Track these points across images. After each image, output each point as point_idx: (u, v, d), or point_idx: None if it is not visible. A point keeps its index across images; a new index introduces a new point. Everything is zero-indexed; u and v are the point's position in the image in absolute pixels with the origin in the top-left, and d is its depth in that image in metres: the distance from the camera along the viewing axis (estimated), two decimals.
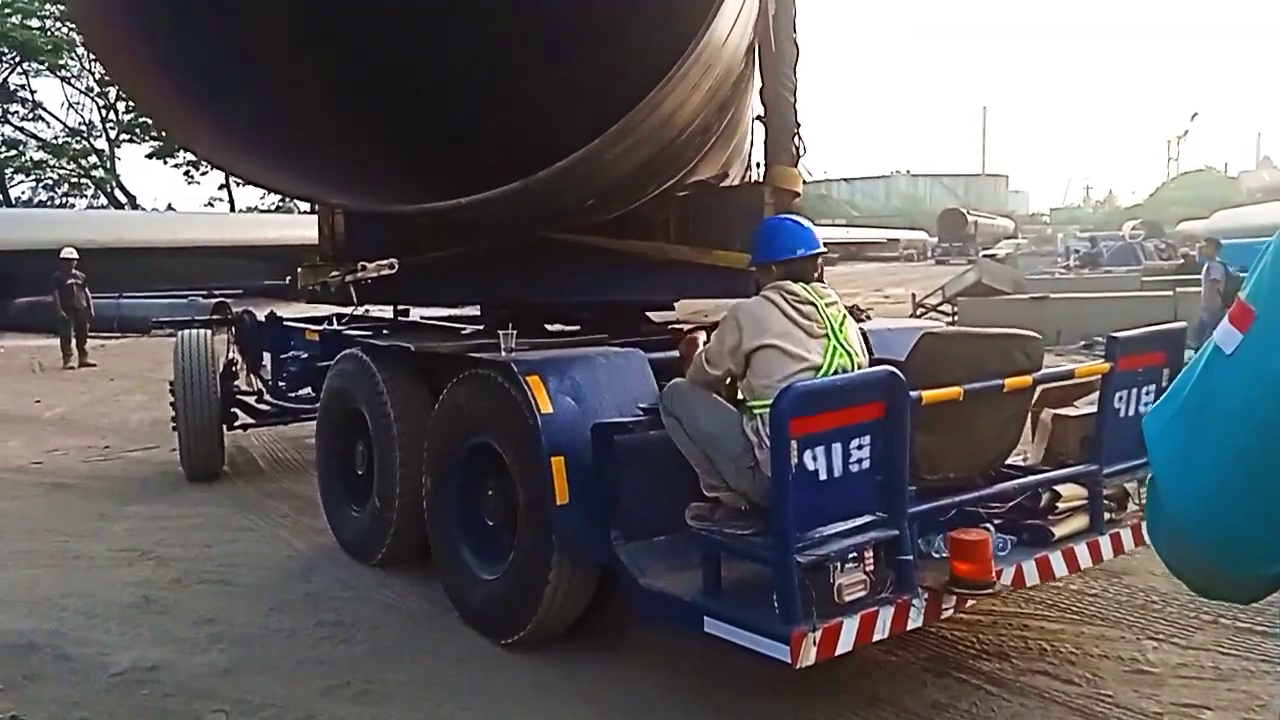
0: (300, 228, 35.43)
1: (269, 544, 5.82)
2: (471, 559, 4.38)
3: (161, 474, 7.86)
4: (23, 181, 43.59)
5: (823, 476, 3.06)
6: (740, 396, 3.57)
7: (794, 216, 3.93)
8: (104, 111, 44.88)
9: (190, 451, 7.43)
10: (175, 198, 49.74)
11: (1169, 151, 78.55)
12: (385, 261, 4.90)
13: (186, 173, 48.62)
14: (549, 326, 5.82)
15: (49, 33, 40.19)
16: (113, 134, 45.47)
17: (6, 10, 38.41)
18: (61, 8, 40.37)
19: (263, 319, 8.03)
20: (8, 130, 42.15)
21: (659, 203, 5.19)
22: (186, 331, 7.70)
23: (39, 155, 43.01)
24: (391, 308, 6.51)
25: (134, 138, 46.89)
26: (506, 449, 4.07)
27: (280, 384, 7.52)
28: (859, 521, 3.17)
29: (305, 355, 6.77)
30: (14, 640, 4.27)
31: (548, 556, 3.84)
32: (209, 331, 7.84)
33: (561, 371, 3.96)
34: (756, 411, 3.35)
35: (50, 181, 44.42)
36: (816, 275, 3.64)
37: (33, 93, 42.56)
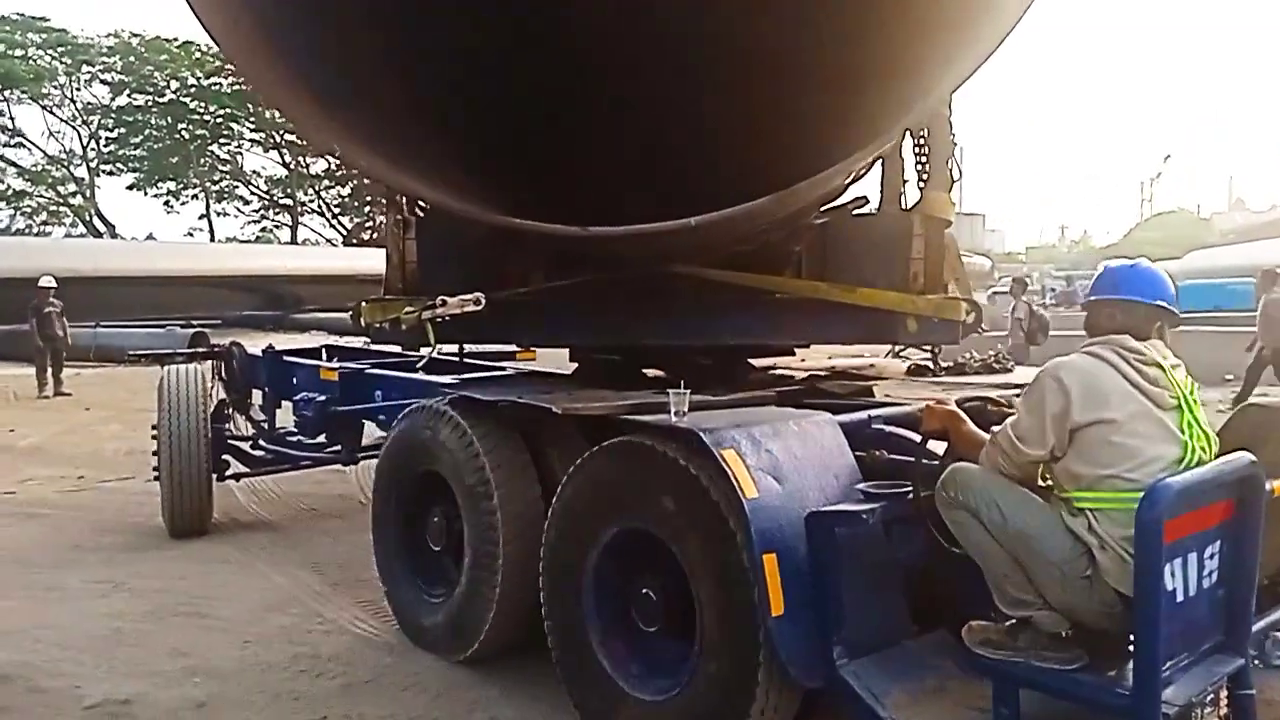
0: (279, 258, 35.56)
1: (245, 576, 5.76)
2: (620, 674, 3.47)
3: (138, 504, 7.77)
4: (1, 209, 43.41)
5: (1179, 597, 2.55)
6: (1046, 482, 2.91)
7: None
8: (85, 140, 44.90)
9: (175, 505, 6.55)
10: (156, 227, 49.72)
11: (1142, 193, 79.79)
12: (469, 297, 4.34)
13: (166, 203, 48.67)
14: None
15: (31, 61, 40.26)
16: (93, 163, 45.45)
17: None
18: (44, 35, 40.66)
19: (259, 352, 7.33)
20: None
21: (789, 232, 4.46)
22: (173, 367, 6.82)
23: (18, 184, 42.92)
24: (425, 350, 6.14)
25: (114, 169, 46.92)
26: (680, 541, 3.24)
27: (274, 428, 6.93)
28: (1204, 647, 2.69)
29: (322, 398, 6.03)
30: None
31: (750, 679, 3.02)
32: (197, 367, 6.98)
33: (757, 444, 3.18)
34: (1082, 506, 2.72)
35: (29, 209, 44.29)
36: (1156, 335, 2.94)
37: (13, 119, 42.58)
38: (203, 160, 49.17)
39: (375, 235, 55.98)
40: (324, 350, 7.01)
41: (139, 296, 25.54)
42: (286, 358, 7.03)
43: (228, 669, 4.35)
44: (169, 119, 46.72)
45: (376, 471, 4.79)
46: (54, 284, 16.12)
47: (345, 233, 56.11)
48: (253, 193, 53.75)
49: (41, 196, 44.00)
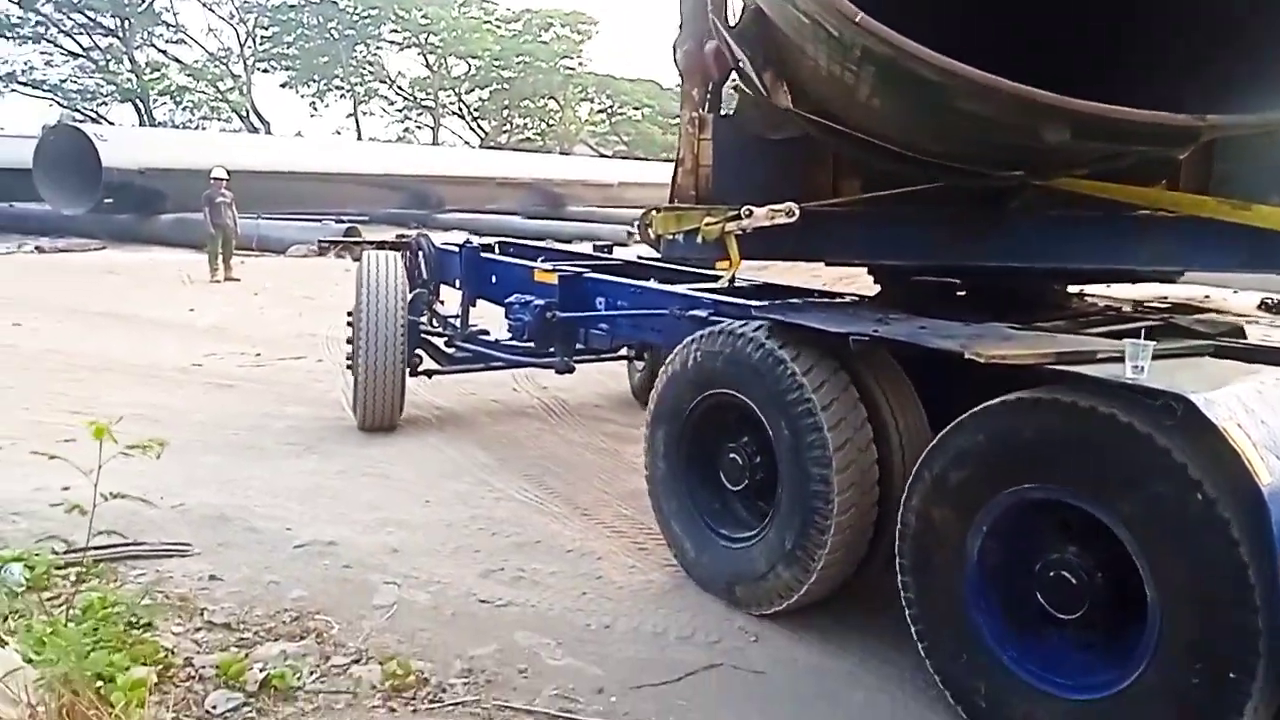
0: (422, 159, 36.51)
1: (419, 447, 6.25)
2: (1022, 665, 2.97)
3: (313, 380, 8.43)
4: (164, 104, 45.61)
5: None
6: None
7: None
8: (242, 39, 46.59)
9: (369, 398, 6.30)
10: (303, 126, 51.63)
11: None
12: (781, 207, 3.87)
13: (312, 104, 50.22)
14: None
15: None
16: (249, 61, 47.17)
17: None
18: None
19: (454, 247, 7.15)
20: (151, 53, 44.18)
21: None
22: (373, 253, 6.60)
23: (180, 79, 44.95)
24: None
25: (269, 67, 48.62)
26: (1135, 525, 2.67)
27: (467, 325, 6.74)
28: None
29: (541, 302, 5.66)
30: (208, 512, 4.77)
31: (1230, 688, 2.49)
32: (398, 256, 6.75)
33: (1252, 413, 2.64)
34: None
35: (190, 105, 46.44)
36: None
37: (175, 15, 44.47)
38: (350, 60, 50.38)
39: (511, 139, 56.80)
40: (498, 246, 7.06)
41: (294, 192, 26.80)
42: (486, 254, 6.94)
43: (415, 523, 4.83)
44: (320, 18, 47.94)
45: (656, 398, 4.33)
46: (226, 175, 17.11)
47: (484, 135, 56.98)
48: (397, 93, 54.92)
49: (202, 93, 46.00)
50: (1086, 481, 2.80)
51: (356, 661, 3.39)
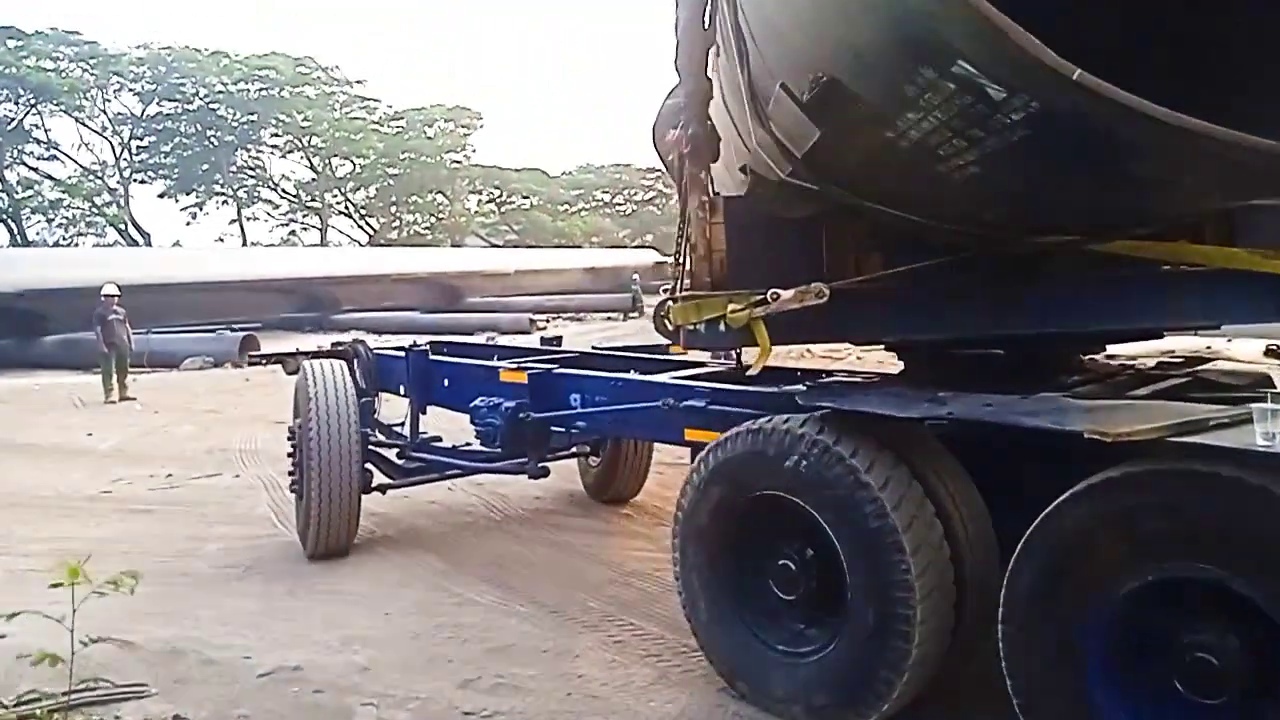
0: (314, 261, 36.06)
1: (367, 557, 6.06)
2: None
3: (234, 498, 8.13)
4: (37, 221, 44.20)
5: None
6: None
7: None
8: (118, 151, 45.63)
9: (321, 523, 5.79)
10: (182, 235, 50.42)
11: None
12: (809, 288, 3.66)
13: (192, 212, 49.40)
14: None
15: (64, 74, 40.92)
16: (125, 173, 46.16)
17: (23, 53, 39.11)
18: (77, 48, 41.31)
19: (393, 351, 6.95)
20: (23, 170, 42.85)
21: None
22: (319, 363, 6.18)
23: (53, 195, 43.66)
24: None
25: (145, 177, 47.68)
26: None
27: (417, 434, 6.42)
28: None
29: (510, 404, 5.32)
30: (158, 647, 4.51)
31: None
32: (343, 365, 6.32)
33: None
34: None
35: (65, 220, 45.09)
36: None
37: (47, 132, 43.35)
38: (231, 166, 49.83)
39: (401, 235, 56.65)
40: (430, 347, 6.78)
41: (183, 303, 26.14)
42: (435, 357, 6.60)
43: (379, 637, 4.66)
44: (197, 125, 47.39)
45: (688, 502, 3.95)
46: (118, 292, 16.58)
47: (372, 233, 56.69)
48: (282, 196, 54.39)
49: (77, 208, 44.76)
50: (1234, 557, 2.62)
51: None
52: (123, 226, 44.83)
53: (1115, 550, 2.82)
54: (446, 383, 6.24)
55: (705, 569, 3.92)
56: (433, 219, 59.34)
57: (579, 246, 56.61)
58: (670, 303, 4.16)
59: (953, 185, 3.07)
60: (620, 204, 70.47)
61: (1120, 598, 2.82)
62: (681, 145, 4.06)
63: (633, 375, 5.14)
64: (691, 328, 4.08)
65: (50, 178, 43.59)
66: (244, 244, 49.54)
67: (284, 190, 54.50)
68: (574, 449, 6.94)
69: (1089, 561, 2.87)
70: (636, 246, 60.45)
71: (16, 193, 41.93)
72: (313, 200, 54.84)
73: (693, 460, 4.10)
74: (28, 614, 2.94)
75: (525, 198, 63.64)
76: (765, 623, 3.78)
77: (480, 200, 63.06)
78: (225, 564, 6.05)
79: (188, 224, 51.19)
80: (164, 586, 5.59)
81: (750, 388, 4.28)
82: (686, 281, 4.18)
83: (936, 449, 3.53)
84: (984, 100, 2.55)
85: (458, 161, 58.02)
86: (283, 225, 55.95)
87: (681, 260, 4.21)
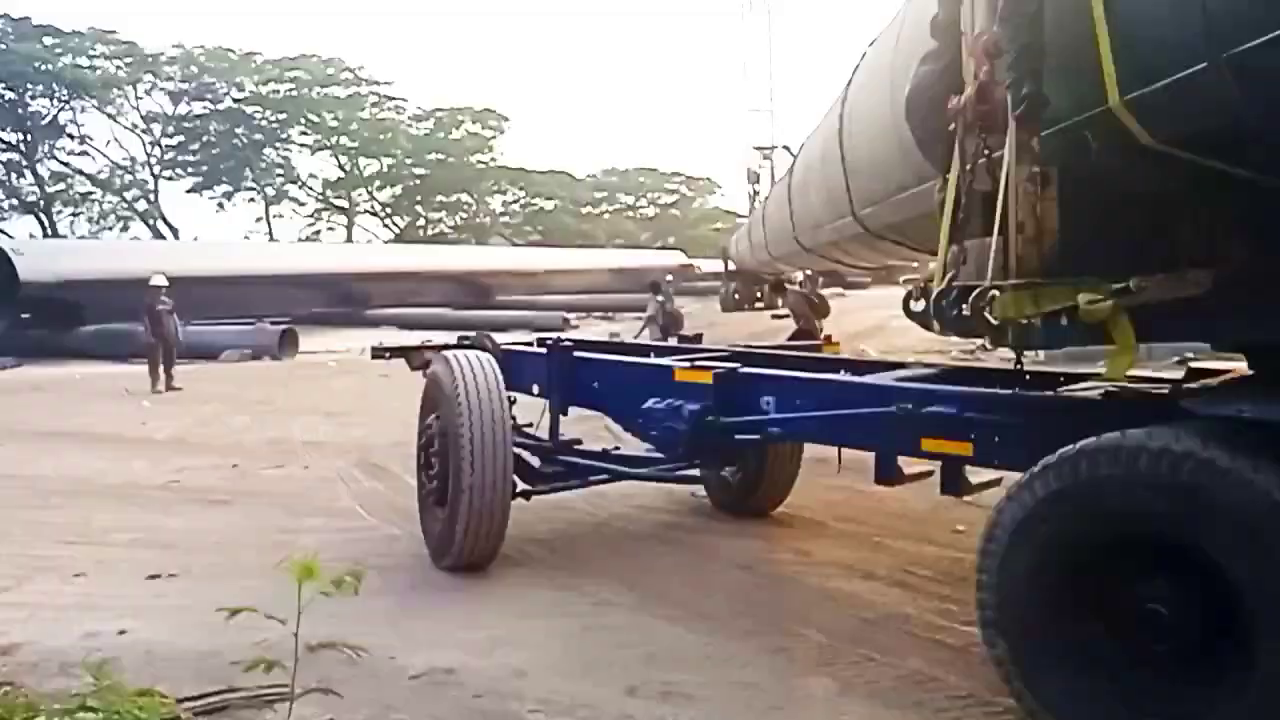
0: (345, 257, 35.89)
1: None
2: None
3: (312, 489, 7.85)
4: (68, 213, 44.28)
5: None
6: None
7: None
8: (148, 147, 45.66)
9: (470, 532, 5.16)
10: (210, 229, 50.46)
11: None
12: (1188, 276, 3.06)
13: (220, 204, 49.37)
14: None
15: (97, 70, 40.95)
16: (155, 169, 46.19)
17: (59, 50, 39.15)
18: (112, 46, 41.38)
19: (525, 346, 6.52)
20: (54, 165, 42.91)
21: None
22: (463, 357, 5.44)
23: (84, 188, 43.75)
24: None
25: (174, 174, 47.70)
26: None
27: (556, 436, 5.99)
28: None
29: (693, 407, 4.84)
30: (292, 645, 4.20)
31: None
32: (492, 360, 5.55)
33: None
34: None
35: (95, 214, 45.17)
36: None
37: (80, 127, 43.39)
38: (260, 163, 49.85)
39: (425, 234, 56.55)
40: (573, 344, 6.17)
41: (217, 296, 25.98)
42: (580, 353, 6.00)
43: (525, 639, 4.32)
44: (227, 124, 47.41)
45: (1003, 540, 3.18)
46: (166, 283, 16.37)
47: (398, 231, 56.64)
48: (309, 194, 54.38)
49: (107, 202, 44.83)
50: None
51: None
52: (152, 221, 44.88)
53: None
54: (597, 384, 5.74)
55: (1039, 611, 3.15)
56: (458, 218, 59.27)
57: (602, 247, 56.42)
58: (995, 293, 3.18)
59: None
60: (643, 207, 70.36)
61: None
62: (967, 111, 3.30)
63: (846, 376, 4.73)
64: (1027, 320, 3.23)
65: (81, 172, 43.74)
66: (270, 240, 49.52)
67: (310, 188, 54.50)
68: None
69: None
70: (659, 248, 60.27)
71: (48, 185, 41.97)
72: (339, 198, 54.79)
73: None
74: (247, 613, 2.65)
75: (550, 199, 63.50)
76: (1134, 677, 3.03)
77: (505, 201, 62.96)
78: (330, 557, 5.70)
79: (216, 212, 51.21)
80: (272, 581, 5.24)
81: (1022, 391, 3.82)
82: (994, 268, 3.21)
83: None
84: None
85: (484, 162, 57.91)
86: (309, 223, 55.99)
87: (993, 241, 3.24)
